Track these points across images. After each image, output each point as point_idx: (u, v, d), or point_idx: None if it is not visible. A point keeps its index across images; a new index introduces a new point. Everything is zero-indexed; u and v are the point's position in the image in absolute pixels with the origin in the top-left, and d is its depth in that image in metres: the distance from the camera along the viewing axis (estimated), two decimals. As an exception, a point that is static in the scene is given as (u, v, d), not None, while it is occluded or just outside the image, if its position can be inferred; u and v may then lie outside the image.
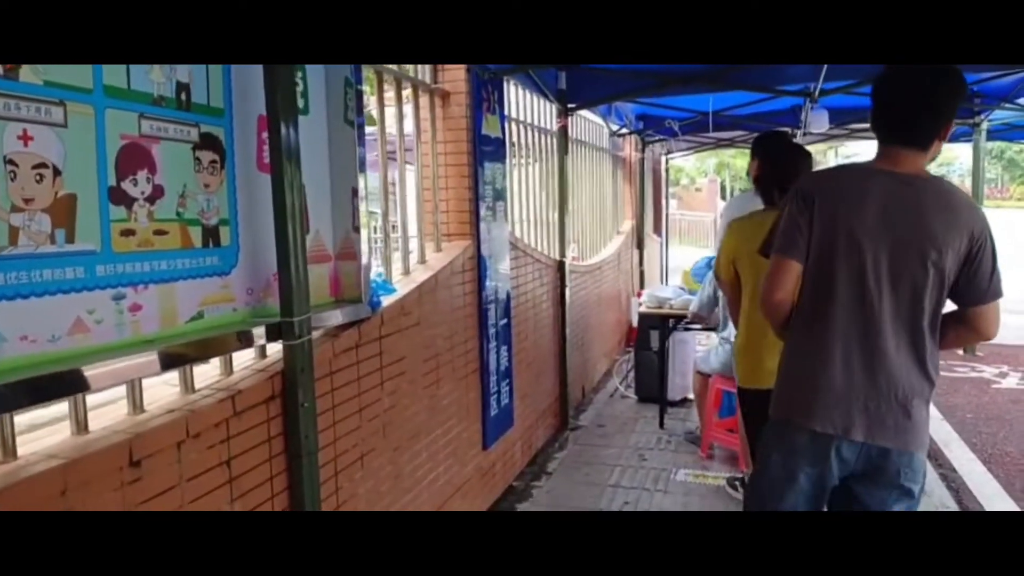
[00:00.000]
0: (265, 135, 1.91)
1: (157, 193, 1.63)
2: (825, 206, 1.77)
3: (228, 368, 1.91)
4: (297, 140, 1.88)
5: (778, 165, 2.64)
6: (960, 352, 6.97)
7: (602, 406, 5.35)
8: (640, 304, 5.29)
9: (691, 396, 5.12)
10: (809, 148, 2.86)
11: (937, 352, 1.78)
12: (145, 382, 1.72)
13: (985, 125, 6.63)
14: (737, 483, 3.69)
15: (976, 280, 1.73)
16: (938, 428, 4.71)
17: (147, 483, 1.49)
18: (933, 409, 5.07)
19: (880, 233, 1.73)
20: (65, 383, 1.37)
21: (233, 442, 1.75)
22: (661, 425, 4.77)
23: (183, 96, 1.69)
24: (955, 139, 8.18)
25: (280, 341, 1.92)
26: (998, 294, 1.75)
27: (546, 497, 3.71)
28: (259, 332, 1.87)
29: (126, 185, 1.55)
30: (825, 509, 1.84)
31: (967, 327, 1.79)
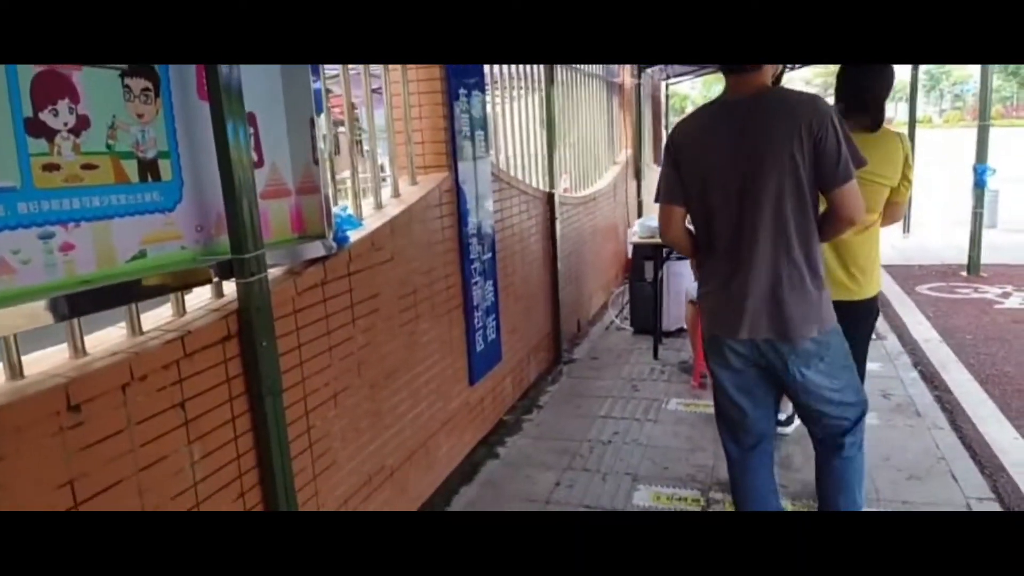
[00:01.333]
0: (204, 60, 1.80)
1: (82, 124, 1.53)
2: (684, 152, 2.09)
3: (181, 309, 1.85)
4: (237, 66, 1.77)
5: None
6: (964, 274, 6.87)
7: (597, 339, 5.31)
8: (633, 234, 5.19)
9: (685, 326, 5.08)
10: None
11: (813, 246, 1.98)
12: (95, 326, 1.67)
13: (996, 36, 6.32)
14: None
15: (825, 166, 1.89)
16: (936, 350, 4.65)
17: (89, 428, 1.45)
18: (931, 331, 5.04)
19: (729, 156, 1.97)
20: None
21: (186, 384, 1.71)
22: (655, 356, 4.73)
23: (104, 18, 1.57)
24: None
25: (234, 280, 1.85)
26: (848, 176, 1.90)
27: (536, 430, 3.70)
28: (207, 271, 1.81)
29: (45, 116, 1.45)
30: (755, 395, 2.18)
31: (831, 213, 1.96)
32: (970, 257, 6.89)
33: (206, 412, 1.77)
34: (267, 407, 1.92)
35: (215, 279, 1.84)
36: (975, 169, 6.79)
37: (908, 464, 3.08)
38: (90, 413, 1.45)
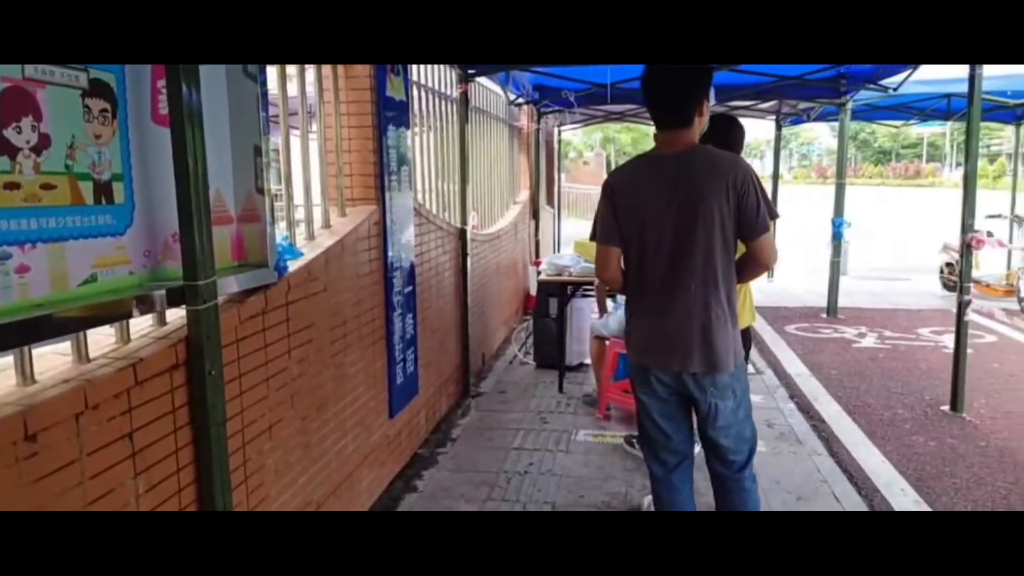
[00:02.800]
0: (161, 84, 1.78)
1: (43, 143, 1.47)
2: (621, 198, 2.26)
3: (125, 336, 1.78)
4: (199, 90, 1.76)
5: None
6: (824, 315, 7.61)
7: (502, 373, 5.42)
8: (539, 272, 5.38)
9: (587, 361, 5.29)
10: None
11: (733, 289, 2.22)
12: (36, 351, 1.58)
13: (850, 105, 7.15)
14: (634, 440, 3.86)
15: (746, 219, 2.12)
16: (807, 383, 5.13)
17: (45, 458, 1.37)
18: (802, 367, 5.54)
19: (664, 205, 2.16)
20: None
21: (135, 413, 1.64)
22: (560, 389, 4.90)
23: (69, 36, 1.53)
24: (822, 118, 8.82)
25: (183, 306, 1.81)
26: (765, 228, 2.15)
27: (452, 462, 3.73)
28: (160, 297, 1.76)
29: (9, 133, 1.39)
30: (672, 421, 2.36)
31: (751, 259, 2.22)
32: (829, 301, 7.64)
33: (152, 443, 1.71)
34: (212, 438, 1.87)
35: (159, 308, 1.79)
36: (833, 222, 7.59)
37: (796, 487, 3.39)
38: (45, 443, 1.37)
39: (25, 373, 1.46)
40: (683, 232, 2.15)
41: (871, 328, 6.98)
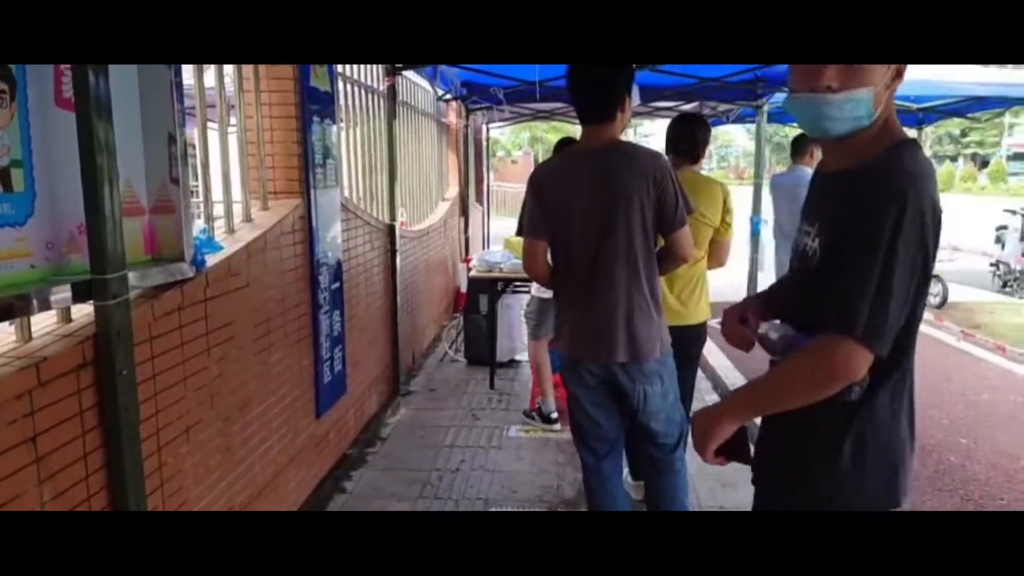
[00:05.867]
0: (65, 66, 1.66)
1: (-72, 124, 1.35)
2: (548, 192, 2.28)
3: (25, 334, 1.66)
4: (106, 74, 1.66)
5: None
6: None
7: (433, 370, 5.37)
8: (470, 269, 5.36)
9: (518, 357, 5.31)
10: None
11: (655, 279, 2.27)
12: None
13: (766, 108, 7.42)
14: (534, 414, 4.25)
15: (666, 213, 2.21)
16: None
17: (-68, 466, 1.26)
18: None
19: (588, 199, 2.20)
20: None
21: (38, 416, 1.53)
22: (491, 386, 4.89)
23: (-42, 9, 1.41)
24: (740, 120, 9.12)
25: (91, 302, 1.70)
26: (683, 222, 2.24)
27: (382, 462, 3.67)
28: (63, 292, 1.65)
29: None
30: (604, 411, 2.40)
31: (670, 251, 2.30)
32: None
33: (58, 448, 1.60)
34: (123, 441, 1.77)
35: (66, 303, 1.67)
36: (751, 220, 7.87)
37: (719, 473, 3.49)
38: (-67, 450, 1.26)
39: (-91, 374, 1.34)
40: (606, 225, 2.20)
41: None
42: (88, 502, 1.70)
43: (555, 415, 4.15)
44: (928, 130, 9.84)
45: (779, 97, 7.20)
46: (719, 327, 1.64)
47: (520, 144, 31.50)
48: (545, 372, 4.17)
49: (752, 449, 1.38)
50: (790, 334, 1.31)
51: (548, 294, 4.00)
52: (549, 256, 2.38)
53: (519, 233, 2.41)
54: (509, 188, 22.29)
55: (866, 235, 1.14)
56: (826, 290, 1.19)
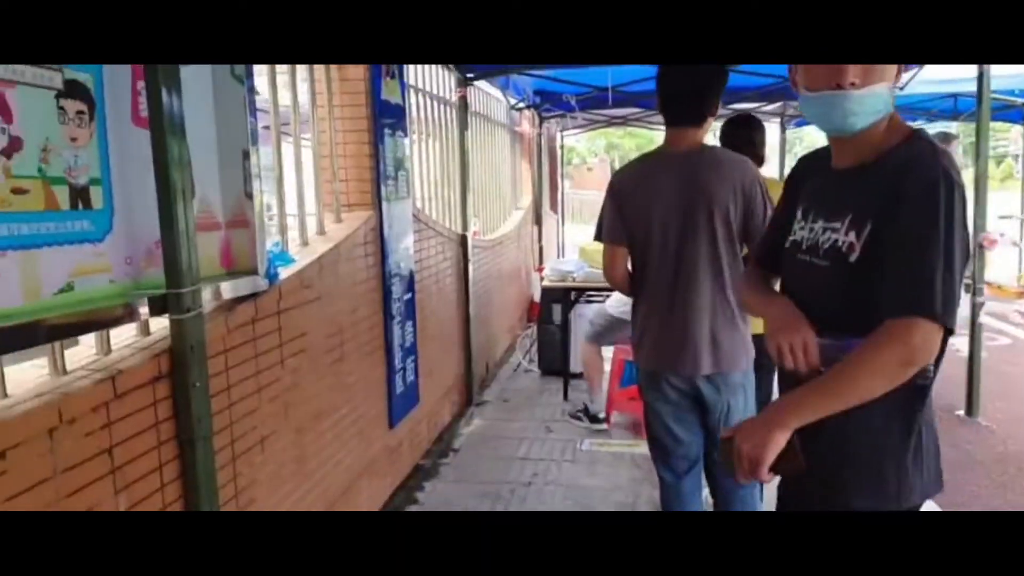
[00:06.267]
0: (141, 85, 1.71)
1: (15, 145, 1.41)
2: (629, 196, 2.20)
3: (106, 347, 1.71)
4: (179, 92, 1.70)
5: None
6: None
7: (506, 381, 5.34)
8: (542, 278, 5.30)
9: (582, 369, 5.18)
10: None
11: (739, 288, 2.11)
12: (9, 365, 1.51)
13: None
14: (580, 414, 4.28)
15: (753, 223, 2.10)
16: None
17: (14, 477, 1.30)
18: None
19: (672, 205, 2.12)
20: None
21: (115, 428, 1.57)
22: (565, 397, 4.80)
23: (42, 35, 1.47)
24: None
25: (166, 315, 1.74)
26: None
27: (454, 473, 3.65)
28: (141, 306, 1.69)
29: (-26, 134, 1.33)
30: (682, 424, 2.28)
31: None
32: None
33: (134, 459, 1.63)
34: (197, 453, 1.80)
35: (144, 316, 1.72)
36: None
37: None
38: (14, 461, 1.30)
39: (-5, 387, 1.39)
40: (690, 232, 2.12)
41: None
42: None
43: (602, 415, 4.22)
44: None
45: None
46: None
47: (596, 151, 31.28)
48: (598, 372, 4.26)
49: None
50: (837, 343, 1.28)
51: (622, 312, 3.97)
52: (629, 263, 2.30)
53: (597, 238, 2.36)
54: (584, 195, 22.16)
55: (924, 215, 1.17)
56: (880, 278, 1.20)
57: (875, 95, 1.24)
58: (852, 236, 1.27)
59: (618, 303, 4.07)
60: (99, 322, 1.63)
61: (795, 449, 1.26)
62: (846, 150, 1.34)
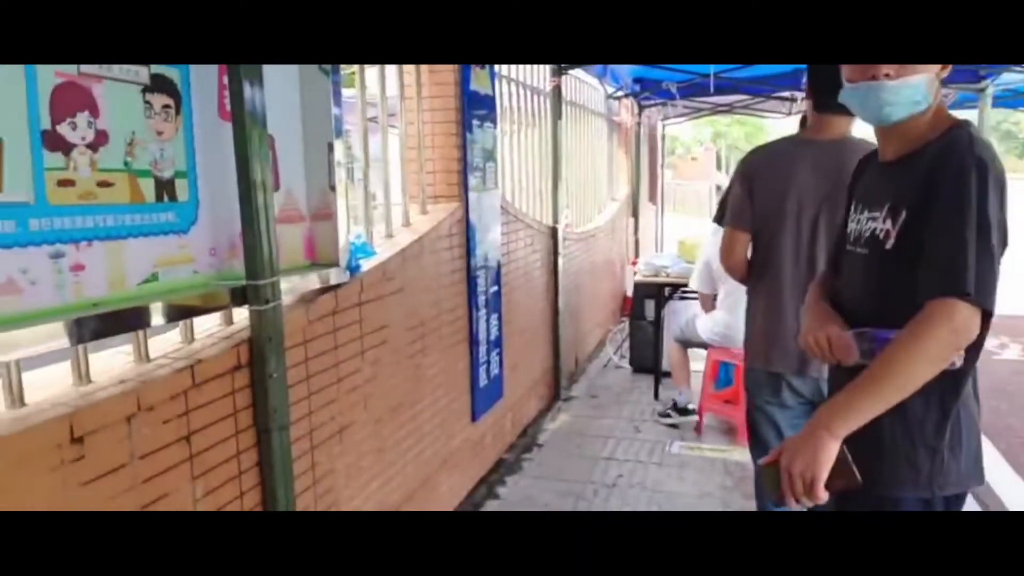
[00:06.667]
0: (227, 79, 1.74)
1: (101, 139, 1.45)
2: (762, 179, 2.09)
3: (189, 336, 1.75)
4: (261, 86, 1.71)
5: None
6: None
7: (595, 376, 5.23)
8: (635, 272, 5.15)
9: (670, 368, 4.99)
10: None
11: None
12: (104, 352, 1.58)
13: (991, 91, 6.41)
14: (670, 412, 4.19)
15: None
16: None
17: (91, 461, 1.34)
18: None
19: (809, 192, 2.01)
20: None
21: (193, 416, 1.61)
22: (656, 396, 4.64)
23: (129, 31, 1.51)
24: (958, 106, 7.98)
25: (246, 307, 1.77)
26: None
27: (537, 469, 3.60)
28: (222, 297, 1.73)
29: (63, 129, 1.37)
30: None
31: None
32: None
33: (212, 446, 1.67)
34: (274, 442, 1.82)
35: (229, 305, 1.75)
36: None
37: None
38: (93, 446, 1.35)
39: (80, 373, 1.44)
40: (826, 225, 1.99)
41: (1014, 338, 6.23)
42: (240, 499, 1.77)
43: (692, 406, 4.15)
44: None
45: (1007, 79, 6.19)
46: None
47: (701, 140, 30.26)
48: (685, 370, 4.21)
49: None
50: (871, 332, 1.30)
51: (712, 337, 3.92)
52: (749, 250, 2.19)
53: (718, 221, 2.25)
54: (688, 186, 21.50)
55: (957, 200, 1.18)
56: (917, 262, 1.21)
57: (910, 86, 1.27)
58: (888, 224, 1.30)
59: (713, 326, 3.91)
60: (181, 312, 1.67)
61: (847, 461, 1.18)
62: (890, 143, 1.38)
